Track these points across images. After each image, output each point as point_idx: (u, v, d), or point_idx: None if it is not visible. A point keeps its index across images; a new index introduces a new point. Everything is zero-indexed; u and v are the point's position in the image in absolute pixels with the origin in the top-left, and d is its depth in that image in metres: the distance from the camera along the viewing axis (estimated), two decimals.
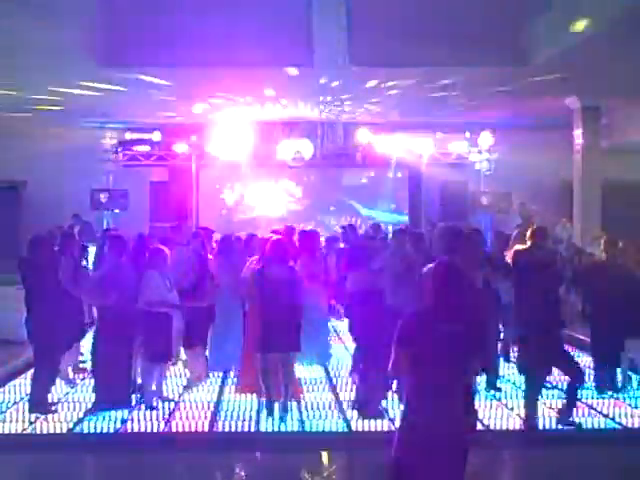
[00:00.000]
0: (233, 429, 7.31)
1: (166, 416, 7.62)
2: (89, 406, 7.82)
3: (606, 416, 7.74)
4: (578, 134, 14.80)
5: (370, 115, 16.35)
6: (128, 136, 17.78)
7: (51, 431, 7.24)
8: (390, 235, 10.32)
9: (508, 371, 9.18)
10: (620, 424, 7.57)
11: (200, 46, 10.94)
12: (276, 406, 7.59)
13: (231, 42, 10.83)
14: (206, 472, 6.67)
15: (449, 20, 10.41)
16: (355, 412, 7.67)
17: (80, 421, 7.45)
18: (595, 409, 7.95)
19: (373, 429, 7.29)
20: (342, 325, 11.14)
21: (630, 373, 8.82)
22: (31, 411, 7.68)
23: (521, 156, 16.84)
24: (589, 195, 14.76)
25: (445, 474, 4.33)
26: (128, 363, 7.77)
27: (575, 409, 7.51)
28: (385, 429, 7.19)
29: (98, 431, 7.21)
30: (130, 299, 7.61)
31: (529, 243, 7.75)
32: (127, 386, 7.83)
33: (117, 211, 17.42)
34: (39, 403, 7.73)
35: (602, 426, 7.49)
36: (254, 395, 8.08)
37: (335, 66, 10.91)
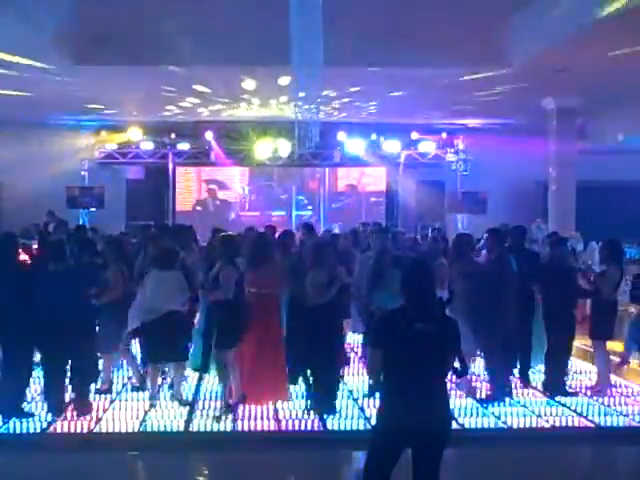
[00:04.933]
0: (209, 429, 7.27)
1: (139, 416, 7.58)
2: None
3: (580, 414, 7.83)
4: (553, 135, 14.92)
5: (347, 115, 16.37)
6: (104, 134, 17.66)
7: (24, 431, 7.15)
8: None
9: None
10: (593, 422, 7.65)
11: (176, 44, 10.90)
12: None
13: (206, 39, 10.81)
14: (181, 472, 6.65)
15: (426, 20, 10.44)
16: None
17: (54, 421, 7.37)
18: (569, 407, 8.04)
19: (349, 428, 7.30)
20: None
21: None
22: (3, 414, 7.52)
23: (497, 157, 16.97)
24: (564, 196, 14.90)
25: (420, 471, 4.37)
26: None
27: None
28: (361, 428, 7.20)
29: (72, 431, 7.14)
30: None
31: None
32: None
33: (93, 209, 17.33)
34: (12, 406, 7.59)
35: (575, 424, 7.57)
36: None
37: (310, 65, 10.92)
